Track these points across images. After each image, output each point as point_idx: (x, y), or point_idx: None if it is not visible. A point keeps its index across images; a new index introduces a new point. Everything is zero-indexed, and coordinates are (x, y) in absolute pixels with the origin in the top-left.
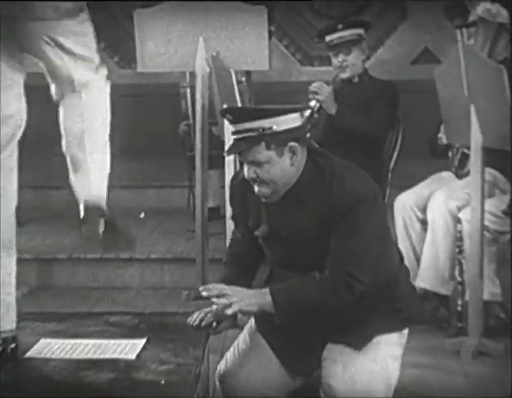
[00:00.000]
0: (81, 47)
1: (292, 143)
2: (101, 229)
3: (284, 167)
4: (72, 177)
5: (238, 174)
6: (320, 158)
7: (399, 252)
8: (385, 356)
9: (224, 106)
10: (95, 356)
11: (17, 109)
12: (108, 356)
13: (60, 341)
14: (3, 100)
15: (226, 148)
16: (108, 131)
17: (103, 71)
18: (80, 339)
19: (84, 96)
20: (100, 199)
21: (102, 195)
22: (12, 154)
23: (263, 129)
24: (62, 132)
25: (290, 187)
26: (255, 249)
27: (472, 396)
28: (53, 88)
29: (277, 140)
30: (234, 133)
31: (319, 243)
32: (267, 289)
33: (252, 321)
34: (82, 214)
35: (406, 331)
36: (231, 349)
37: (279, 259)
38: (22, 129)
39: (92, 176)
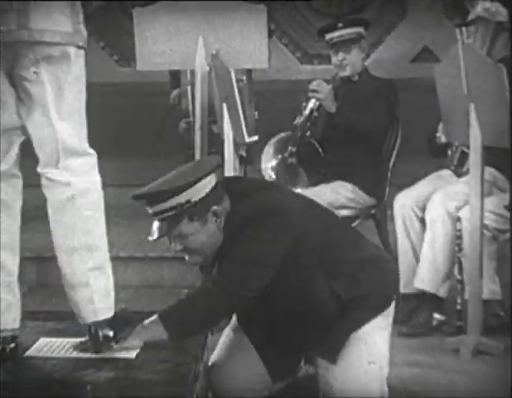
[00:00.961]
0: (74, 94)
1: (215, 207)
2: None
3: (210, 233)
4: (69, 296)
5: None
6: (239, 203)
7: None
8: (371, 345)
9: (135, 193)
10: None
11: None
12: (108, 354)
13: (60, 340)
14: (4, 105)
15: (151, 232)
16: (104, 240)
17: (92, 158)
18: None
19: (78, 205)
20: (107, 321)
21: (109, 314)
22: (15, 160)
23: (182, 205)
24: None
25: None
26: None
27: (472, 395)
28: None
29: (199, 209)
30: (153, 215)
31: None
32: (155, 317)
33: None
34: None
35: (388, 310)
36: (219, 343)
37: None
38: (24, 136)
39: (95, 296)
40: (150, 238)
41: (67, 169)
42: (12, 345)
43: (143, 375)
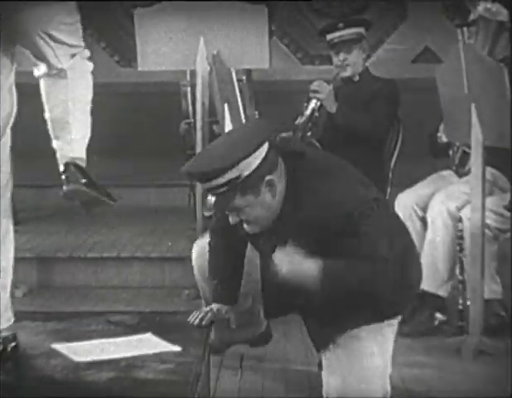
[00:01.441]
0: (70, 36)
1: (268, 177)
2: (84, 186)
3: (265, 203)
4: (54, 141)
5: None
6: (299, 173)
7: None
8: (371, 348)
9: (186, 169)
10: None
11: (8, 94)
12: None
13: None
14: None
15: (208, 207)
16: (90, 103)
17: (86, 52)
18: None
19: (69, 71)
20: (81, 159)
21: (82, 155)
22: (5, 143)
23: (234, 180)
24: (44, 101)
25: (278, 213)
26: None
27: (473, 395)
28: (39, 69)
29: (251, 182)
30: (209, 190)
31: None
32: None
33: None
34: (63, 174)
35: (394, 321)
36: None
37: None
38: (14, 116)
39: (75, 138)
40: (206, 213)
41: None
42: (13, 344)
43: (144, 375)
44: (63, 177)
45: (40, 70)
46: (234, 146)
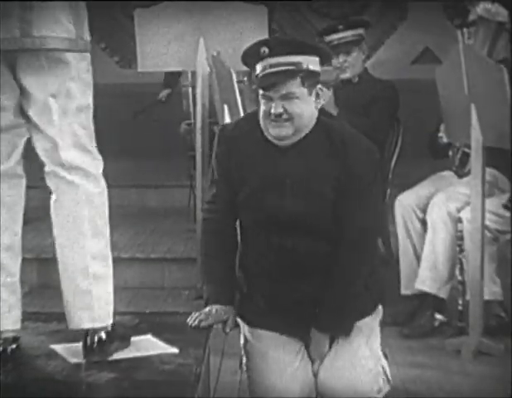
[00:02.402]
0: (81, 98)
1: (320, 86)
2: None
3: (310, 107)
4: (66, 301)
5: (227, 126)
6: (326, 118)
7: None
8: (368, 341)
9: (261, 38)
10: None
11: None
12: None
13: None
14: (6, 106)
15: (259, 81)
16: (108, 250)
17: (99, 163)
18: None
19: (81, 199)
20: (106, 327)
21: (108, 322)
22: (18, 160)
23: (301, 64)
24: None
25: (303, 136)
26: (233, 230)
27: (473, 396)
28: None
29: (310, 79)
30: (266, 68)
31: (325, 201)
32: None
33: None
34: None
35: (379, 309)
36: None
37: (270, 235)
38: (27, 136)
39: (96, 307)
40: (255, 86)
41: (73, 167)
42: (14, 346)
43: (145, 376)
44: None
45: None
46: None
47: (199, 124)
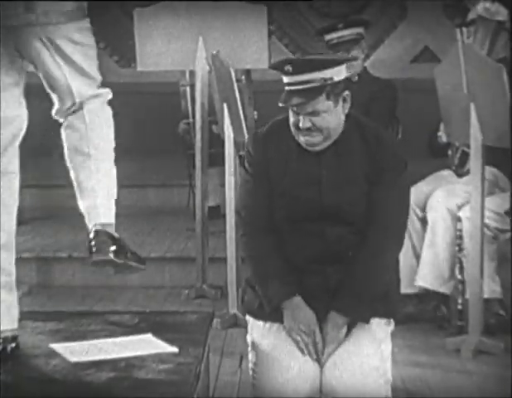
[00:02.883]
0: (81, 56)
1: (347, 92)
2: (112, 255)
3: (338, 115)
4: (80, 203)
5: (259, 131)
6: (356, 114)
7: None
8: (382, 348)
9: (283, 58)
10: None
11: (18, 111)
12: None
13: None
14: (3, 102)
15: (283, 99)
16: (113, 154)
17: (107, 93)
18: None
19: (88, 117)
20: (111, 224)
21: (111, 220)
22: (13, 157)
23: (325, 80)
24: (66, 153)
25: (336, 139)
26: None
27: (473, 395)
28: (55, 106)
29: (336, 90)
30: (290, 85)
31: (360, 195)
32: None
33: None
34: (92, 242)
35: (391, 321)
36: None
37: (305, 227)
38: (23, 133)
39: (99, 200)
40: (281, 104)
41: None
42: (13, 345)
43: (144, 375)
44: (92, 243)
45: (55, 106)
46: (325, 58)
47: (198, 123)
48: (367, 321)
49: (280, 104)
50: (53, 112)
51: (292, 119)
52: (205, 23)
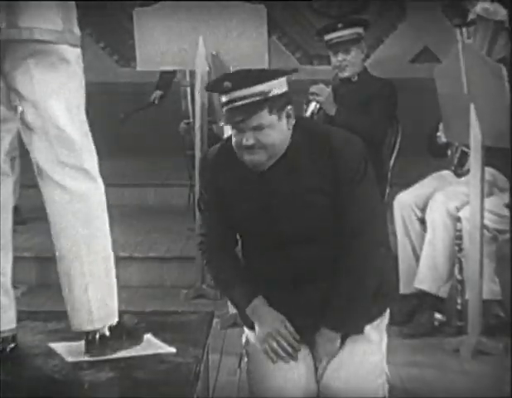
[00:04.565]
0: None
1: (289, 107)
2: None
3: (282, 131)
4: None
5: (208, 154)
6: (306, 124)
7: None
8: (376, 347)
9: (223, 74)
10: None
11: (11, 111)
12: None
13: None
14: None
15: (225, 118)
16: (110, 255)
17: (97, 179)
18: None
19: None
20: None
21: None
22: (6, 157)
23: (266, 93)
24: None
25: (282, 154)
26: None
27: (472, 395)
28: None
29: (278, 104)
30: (230, 102)
31: (319, 209)
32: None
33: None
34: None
35: (385, 314)
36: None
37: (266, 254)
38: (15, 132)
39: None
40: (224, 123)
41: (64, 166)
42: (12, 345)
43: (144, 375)
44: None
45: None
46: (263, 70)
47: (198, 123)
48: (361, 331)
49: (221, 124)
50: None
51: (234, 139)
52: (205, 23)
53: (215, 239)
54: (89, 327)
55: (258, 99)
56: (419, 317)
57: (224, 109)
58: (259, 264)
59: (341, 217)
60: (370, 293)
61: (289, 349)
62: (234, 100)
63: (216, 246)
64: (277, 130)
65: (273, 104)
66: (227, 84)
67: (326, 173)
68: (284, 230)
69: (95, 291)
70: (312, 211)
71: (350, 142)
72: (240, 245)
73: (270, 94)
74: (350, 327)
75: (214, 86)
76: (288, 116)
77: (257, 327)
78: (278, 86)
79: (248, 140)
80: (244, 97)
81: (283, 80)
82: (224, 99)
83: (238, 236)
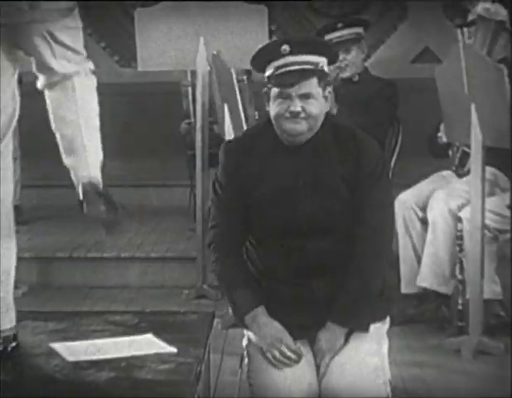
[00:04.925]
0: (72, 39)
1: (330, 89)
2: (103, 208)
3: (322, 107)
4: (67, 159)
5: (230, 141)
6: (331, 117)
7: None
8: (379, 347)
9: (283, 37)
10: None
11: (11, 98)
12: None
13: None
14: None
15: (276, 81)
16: (98, 121)
17: (90, 64)
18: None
19: (77, 85)
20: (98, 179)
21: (99, 175)
22: (7, 145)
23: (318, 64)
24: (51, 116)
25: (311, 136)
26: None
27: (473, 395)
28: (41, 79)
29: (325, 79)
30: (284, 66)
31: (339, 199)
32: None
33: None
34: (82, 196)
35: (387, 320)
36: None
37: (281, 235)
38: (16, 119)
39: (89, 158)
40: (274, 86)
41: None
42: (13, 344)
43: (144, 375)
44: (83, 198)
45: (41, 79)
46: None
47: (199, 123)
48: (366, 329)
49: (270, 87)
50: (39, 84)
51: (277, 109)
52: (206, 23)
53: (227, 232)
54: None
55: (310, 67)
56: (426, 305)
57: (276, 73)
58: (269, 255)
59: (357, 213)
60: (377, 292)
61: (293, 356)
62: (287, 65)
63: (226, 242)
64: (320, 104)
65: (321, 77)
66: (285, 47)
67: (349, 164)
68: (302, 217)
69: None
70: (332, 200)
71: (372, 141)
72: (251, 237)
73: (319, 67)
74: (357, 324)
75: (266, 48)
76: (326, 98)
77: (256, 337)
78: (325, 64)
79: (296, 107)
80: (298, 63)
81: (326, 60)
82: (274, 65)
83: (250, 227)
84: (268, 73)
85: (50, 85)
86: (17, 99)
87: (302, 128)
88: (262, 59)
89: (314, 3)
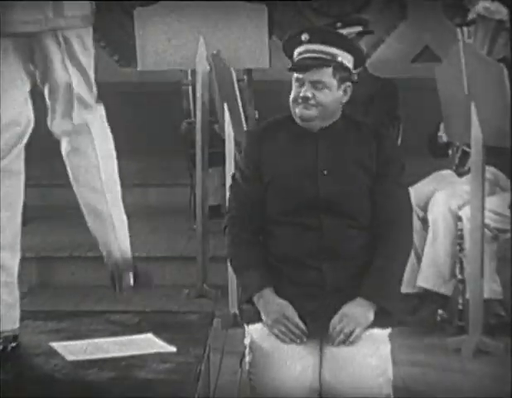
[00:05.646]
0: (87, 61)
1: (349, 84)
2: (132, 280)
3: (337, 100)
4: (92, 225)
5: (253, 128)
6: (354, 116)
7: None
8: (381, 348)
9: (299, 29)
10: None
11: (25, 113)
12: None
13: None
14: (11, 103)
15: (294, 64)
16: (117, 172)
17: (102, 109)
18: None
19: (96, 141)
20: (127, 253)
21: (128, 248)
22: (18, 157)
23: (336, 56)
24: (69, 170)
25: (329, 124)
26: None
27: (473, 395)
28: (55, 118)
29: (342, 73)
30: (303, 53)
31: (359, 185)
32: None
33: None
34: (112, 273)
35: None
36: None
37: (299, 221)
38: (29, 133)
39: (117, 228)
40: (292, 69)
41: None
42: (14, 344)
43: (144, 375)
44: (112, 275)
45: (56, 125)
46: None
47: (199, 123)
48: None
49: (290, 70)
50: (52, 124)
51: (293, 94)
52: (206, 23)
53: (240, 215)
54: None
55: (324, 56)
56: (422, 312)
57: (296, 59)
58: (285, 234)
59: (384, 202)
60: (403, 276)
61: (297, 331)
62: (305, 52)
63: (238, 225)
64: (334, 96)
65: (338, 69)
66: (305, 36)
67: (371, 152)
68: (321, 197)
69: None
70: (353, 185)
71: (393, 138)
72: (268, 217)
73: (338, 59)
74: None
75: (291, 35)
76: (345, 91)
77: (263, 315)
78: (347, 59)
79: (306, 92)
80: (315, 51)
81: (351, 58)
82: (296, 52)
83: (267, 206)
84: (292, 59)
85: (63, 131)
86: (31, 112)
87: (312, 113)
88: (288, 45)
89: (314, 3)
